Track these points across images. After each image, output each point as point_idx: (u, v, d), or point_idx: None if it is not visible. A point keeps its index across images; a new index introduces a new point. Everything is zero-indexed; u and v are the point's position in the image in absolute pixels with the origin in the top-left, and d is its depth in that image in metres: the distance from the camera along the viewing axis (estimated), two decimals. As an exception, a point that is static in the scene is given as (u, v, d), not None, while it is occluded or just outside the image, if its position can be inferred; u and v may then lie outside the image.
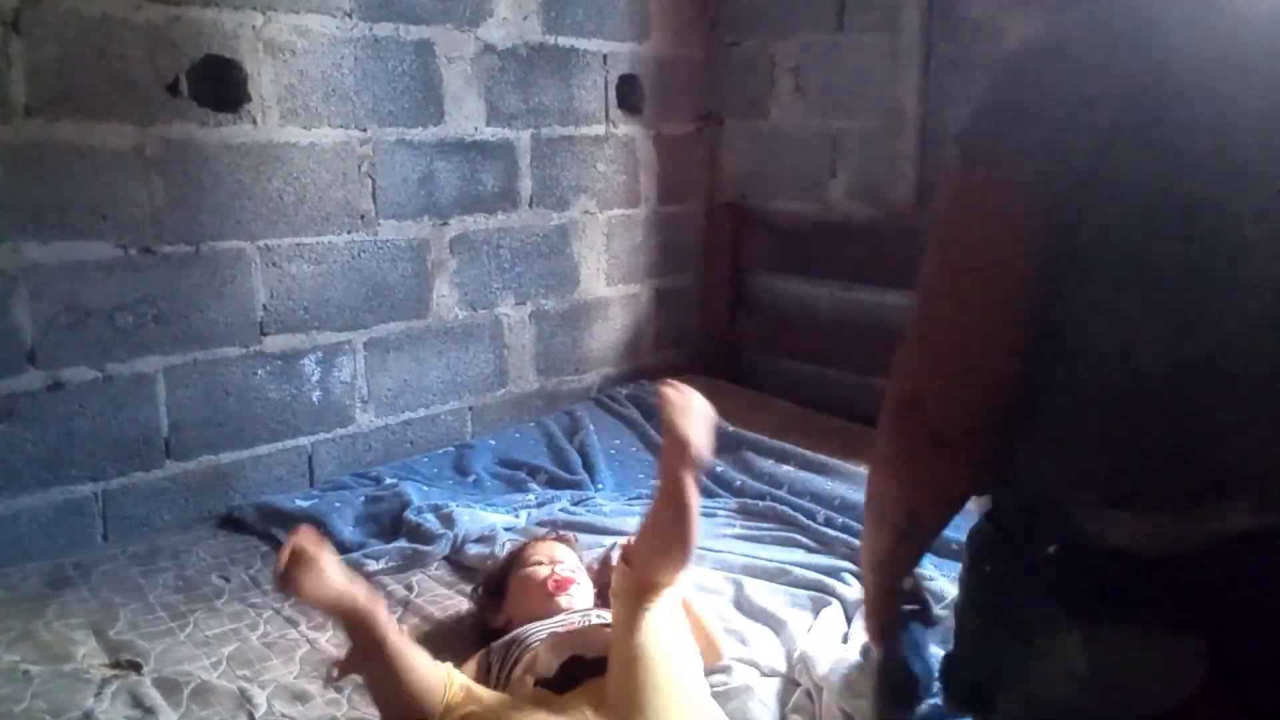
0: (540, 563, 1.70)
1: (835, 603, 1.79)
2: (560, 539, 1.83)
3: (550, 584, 1.64)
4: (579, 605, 1.63)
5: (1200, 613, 0.85)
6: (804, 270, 3.04)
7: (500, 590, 1.71)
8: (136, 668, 1.59)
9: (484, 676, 1.50)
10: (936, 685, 1.21)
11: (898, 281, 2.76)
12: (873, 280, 2.86)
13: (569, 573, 1.68)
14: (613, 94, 2.94)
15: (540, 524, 2.12)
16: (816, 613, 1.76)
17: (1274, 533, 0.84)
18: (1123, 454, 0.86)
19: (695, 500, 1.35)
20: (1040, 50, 0.87)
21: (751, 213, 3.16)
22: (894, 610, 1.08)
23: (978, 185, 0.87)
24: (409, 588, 1.91)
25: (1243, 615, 0.85)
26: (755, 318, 3.18)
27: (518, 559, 1.75)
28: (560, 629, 1.52)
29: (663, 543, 1.40)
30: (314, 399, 2.41)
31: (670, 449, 1.35)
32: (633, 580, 1.40)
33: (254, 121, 2.21)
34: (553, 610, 1.60)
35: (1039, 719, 0.94)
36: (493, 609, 1.70)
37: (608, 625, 1.48)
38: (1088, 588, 0.88)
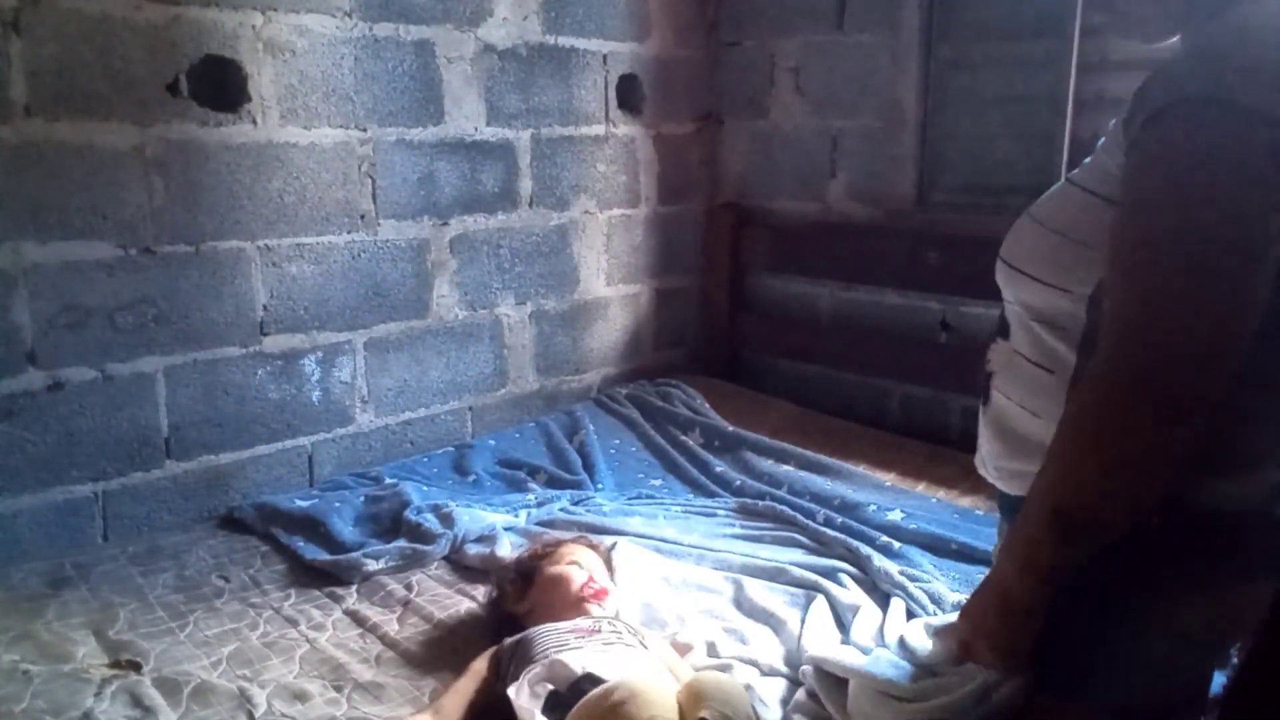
0: (577, 564, 1.70)
1: (821, 596, 1.79)
2: (594, 547, 1.82)
3: (586, 590, 1.64)
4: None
5: (1274, 552, 0.96)
6: (804, 270, 3.04)
7: (529, 578, 1.71)
8: (136, 668, 1.59)
9: (495, 675, 1.50)
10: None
11: (898, 281, 2.78)
12: (873, 280, 2.87)
13: (605, 584, 1.68)
14: (613, 94, 2.94)
15: (542, 524, 2.12)
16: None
17: None
18: (1238, 424, 0.91)
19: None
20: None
21: (751, 213, 3.16)
22: (1038, 629, 0.98)
23: (1229, 144, 0.83)
24: (409, 587, 1.90)
25: None
26: (755, 318, 3.18)
27: (553, 554, 1.74)
28: (578, 636, 1.51)
29: None
30: (314, 399, 2.41)
31: None
32: None
33: (254, 121, 2.21)
34: (577, 615, 1.60)
35: (1143, 685, 0.98)
36: (517, 595, 1.70)
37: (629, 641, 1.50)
38: (1193, 551, 0.94)
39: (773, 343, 3.16)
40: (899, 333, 2.83)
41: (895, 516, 2.10)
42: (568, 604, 1.62)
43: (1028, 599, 0.96)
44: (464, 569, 1.98)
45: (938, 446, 2.54)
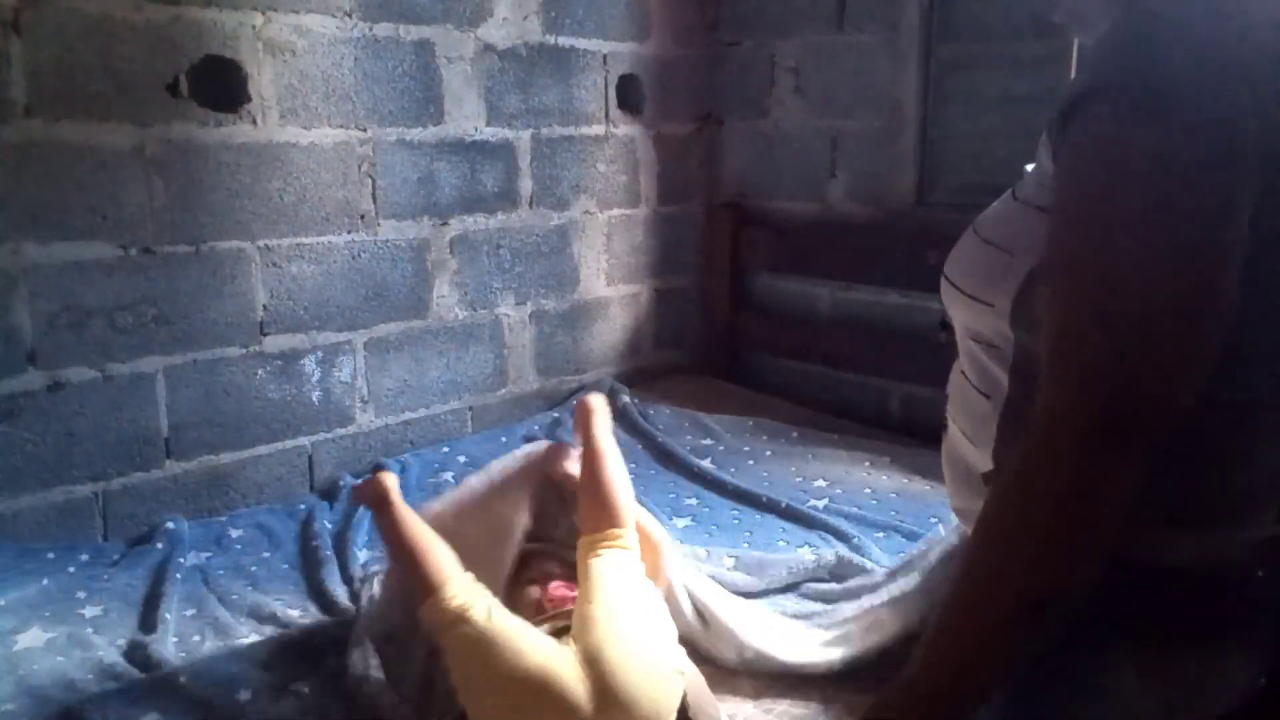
0: (534, 580, 1.58)
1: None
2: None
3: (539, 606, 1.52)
4: None
5: (1252, 621, 0.85)
6: (804, 270, 3.04)
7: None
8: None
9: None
10: None
11: (898, 281, 2.78)
12: (873, 280, 2.87)
13: (564, 589, 1.54)
14: (613, 94, 2.94)
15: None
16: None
17: None
18: (1201, 470, 0.80)
19: (608, 447, 1.60)
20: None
21: (751, 213, 3.16)
22: None
23: (1158, 141, 0.72)
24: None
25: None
26: (755, 318, 3.18)
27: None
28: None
29: (592, 493, 1.55)
30: (314, 399, 2.40)
31: (578, 412, 1.68)
32: (585, 542, 1.49)
33: (254, 121, 2.21)
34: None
35: None
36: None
37: None
38: (1146, 612, 0.83)
39: (773, 343, 3.15)
40: (899, 333, 2.83)
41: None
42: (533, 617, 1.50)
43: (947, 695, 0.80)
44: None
45: (938, 447, 2.53)
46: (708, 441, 2.64)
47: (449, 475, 2.42)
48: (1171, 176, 0.71)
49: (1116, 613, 0.82)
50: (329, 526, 2.13)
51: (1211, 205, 0.71)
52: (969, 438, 0.96)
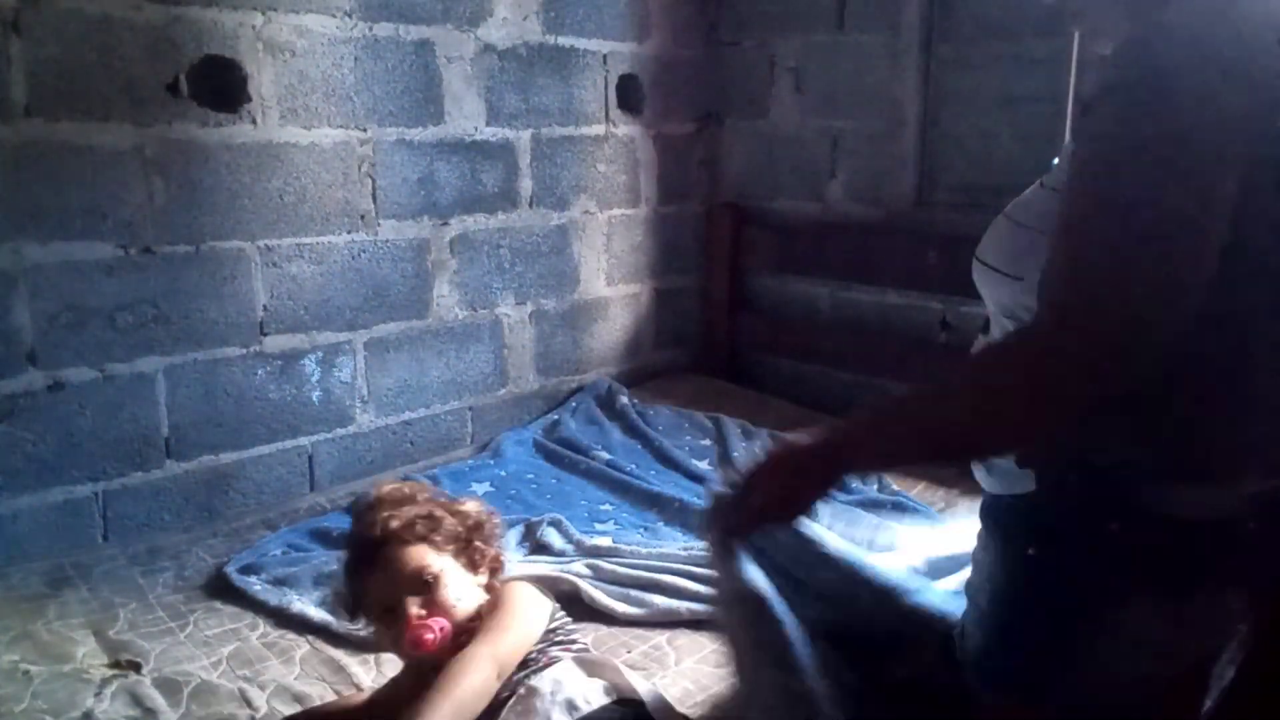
0: (385, 612, 1.31)
1: None
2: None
3: (409, 645, 1.27)
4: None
5: (1246, 565, 0.96)
6: (804, 270, 3.04)
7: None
8: (136, 668, 1.59)
9: None
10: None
11: (898, 281, 2.78)
12: (873, 280, 2.87)
13: (422, 624, 1.27)
14: (613, 94, 2.94)
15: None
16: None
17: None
18: (1213, 430, 0.91)
19: None
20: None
21: (751, 213, 3.16)
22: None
23: (1161, 125, 0.82)
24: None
25: (1270, 563, 0.98)
26: (755, 318, 3.18)
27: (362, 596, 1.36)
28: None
29: None
30: (314, 399, 2.41)
31: None
32: None
33: (254, 121, 2.21)
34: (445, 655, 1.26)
35: (1105, 692, 0.98)
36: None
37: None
38: (1158, 559, 0.93)
39: (773, 343, 3.16)
40: (899, 333, 2.83)
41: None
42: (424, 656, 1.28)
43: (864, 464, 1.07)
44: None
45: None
46: (707, 442, 2.64)
47: (485, 486, 2.39)
48: (1164, 169, 0.81)
49: (1135, 559, 0.93)
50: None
51: (1196, 197, 0.81)
52: None
